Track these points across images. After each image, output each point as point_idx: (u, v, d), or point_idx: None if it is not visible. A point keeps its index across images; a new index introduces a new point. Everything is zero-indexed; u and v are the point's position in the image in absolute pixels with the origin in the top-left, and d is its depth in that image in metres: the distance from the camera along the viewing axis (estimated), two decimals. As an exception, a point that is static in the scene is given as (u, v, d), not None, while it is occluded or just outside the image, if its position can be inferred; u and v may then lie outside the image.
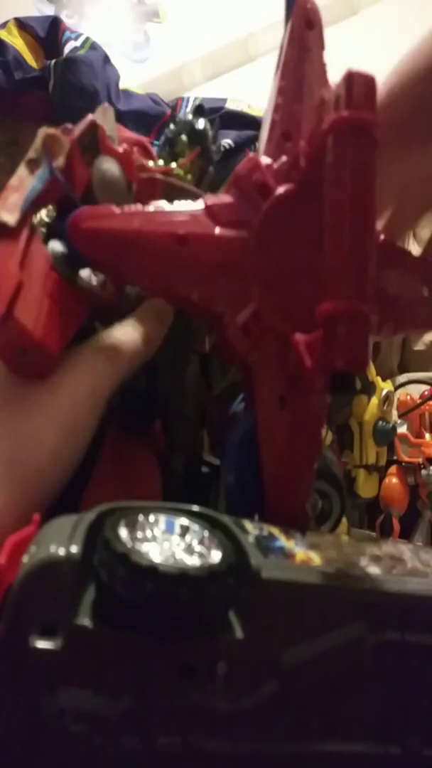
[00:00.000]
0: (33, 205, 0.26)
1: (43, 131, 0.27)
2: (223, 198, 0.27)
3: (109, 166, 0.30)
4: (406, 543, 0.29)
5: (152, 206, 0.27)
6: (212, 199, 0.27)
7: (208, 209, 0.27)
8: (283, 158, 0.27)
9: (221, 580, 0.17)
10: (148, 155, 0.35)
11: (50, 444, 0.26)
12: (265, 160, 0.27)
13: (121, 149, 0.31)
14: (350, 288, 0.22)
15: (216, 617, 0.18)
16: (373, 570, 0.21)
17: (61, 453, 0.26)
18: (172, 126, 0.35)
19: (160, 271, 0.27)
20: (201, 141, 0.34)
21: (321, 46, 0.29)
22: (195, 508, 0.22)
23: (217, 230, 0.27)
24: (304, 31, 0.29)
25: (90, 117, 0.30)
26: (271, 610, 0.18)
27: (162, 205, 0.27)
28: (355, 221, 0.22)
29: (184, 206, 0.27)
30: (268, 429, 0.28)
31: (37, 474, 0.25)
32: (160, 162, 0.34)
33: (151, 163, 0.33)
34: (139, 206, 0.27)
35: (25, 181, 0.27)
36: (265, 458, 0.28)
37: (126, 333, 0.29)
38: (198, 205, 0.27)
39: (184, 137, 0.34)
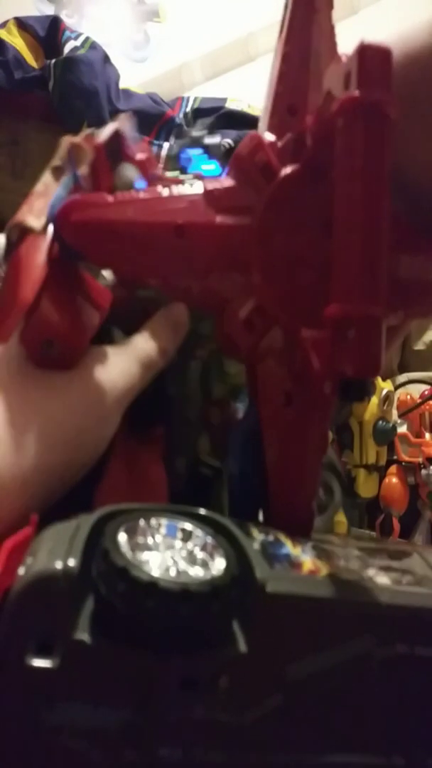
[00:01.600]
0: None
1: (68, 140, 0.27)
2: (224, 181, 0.25)
3: (130, 172, 0.30)
4: (415, 546, 0.28)
5: (148, 192, 0.26)
6: (212, 183, 0.25)
7: (208, 194, 0.25)
8: (288, 135, 0.25)
9: (224, 595, 0.17)
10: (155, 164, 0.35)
11: (74, 432, 0.25)
12: (268, 137, 0.25)
13: (140, 157, 0.31)
14: (362, 290, 0.20)
15: (218, 631, 0.17)
16: (382, 580, 0.20)
17: (83, 444, 0.26)
18: (187, 139, 0.36)
19: (157, 263, 0.26)
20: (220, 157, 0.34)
21: (329, 5, 0.26)
22: (198, 511, 0.21)
23: (218, 218, 0.25)
24: None
25: (114, 125, 0.30)
26: (275, 623, 0.18)
27: (158, 191, 0.25)
28: (368, 216, 0.20)
29: (182, 191, 0.25)
30: (273, 426, 0.26)
31: (62, 455, 0.25)
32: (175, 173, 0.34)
33: (169, 174, 0.33)
34: (133, 193, 0.26)
35: (50, 188, 0.27)
36: (269, 456, 0.27)
37: (145, 343, 0.29)
38: (197, 189, 0.25)
39: (200, 150, 0.34)
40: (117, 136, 0.30)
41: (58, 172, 0.27)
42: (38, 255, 0.25)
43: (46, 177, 0.27)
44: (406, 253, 0.26)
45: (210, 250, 0.25)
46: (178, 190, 0.25)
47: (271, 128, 0.26)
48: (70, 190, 0.27)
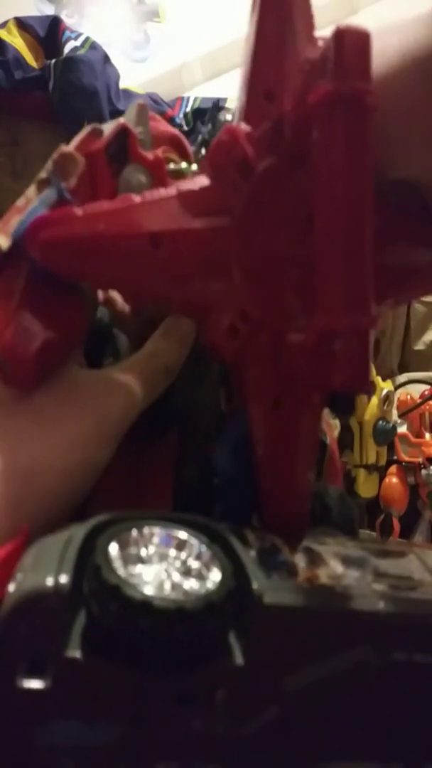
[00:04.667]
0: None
1: (60, 149, 0.26)
2: (198, 181, 0.24)
3: (138, 177, 0.28)
4: (413, 547, 0.28)
5: (119, 201, 0.24)
6: (186, 183, 0.24)
7: (182, 197, 0.23)
8: (266, 123, 0.23)
9: (219, 611, 0.17)
10: (184, 152, 0.32)
11: (60, 468, 0.25)
12: (243, 127, 0.23)
13: (152, 156, 0.28)
14: (346, 300, 0.19)
15: (215, 645, 0.17)
16: (379, 587, 0.20)
17: (71, 480, 0.25)
18: (210, 126, 0.33)
19: (133, 276, 0.24)
20: None
21: None
22: (192, 518, 0.21)
23: (194, 222, 0.23)
24: None
25: (121, 121, 0.27)
26: (273, 634, 0.18)
27: (131, 197, 0.24)
28: (350, 219, 0.19)
29: (155, 196, 0.24)
30: (263, 430, 0.26)
31: (46, 493, 0.25)
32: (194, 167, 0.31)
33: (184, 166, 0.31)
34: (103, 203, 0.24)
35: (30, 203, 0.25)
36: (260, 460, 0.26)
37: (149, 362, 0.29)
38: (170, 192, 0.24)
39: None
40: (123, 135, 0.27)
41: (42, 185, 0.26)
42: None
43: (30, 190, 0.26)
44: (394, 240, 0.24)
45: (188, 258, 0.24)
46: (150, 195, 0.24)
47: (247, 116, 0.24)
48: (52, 204, 0.25)
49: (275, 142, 0.22)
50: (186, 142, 0.33)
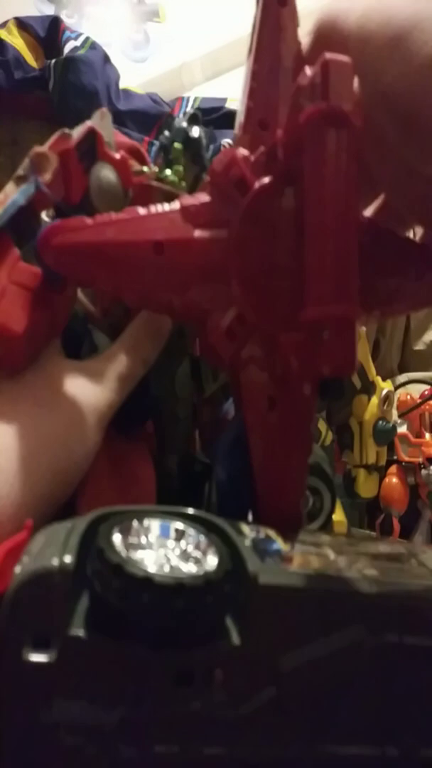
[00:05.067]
0: (15, 218, 0.26)
1: (33, 150, 0.27)
2: (200, 197, 0.26)
3: (106, 173, 0.30)
4: (405, 542, 0.29)
5: (126, 212, 0.26)
6: (188, 199, 0.26)
7: (184, 210, 0.26)
8: (261, 149, 0.25)
9: (218, 588, 0.17)
10: (142, 161, 0.35)
11: (47, 456, 0.26)
12: (241, 152, 0.26)
13: (118, 156, 0.31)
14: (334, 292, 0.21)
15: (212, 624, 0.18)
16: (371, 572, 0.21)
17: (57, 469, 0.26)
18: (166, 132, 0.35)
19: (138, 281, 0.26)
20: (195, 148, 0.34)
21: (295, 24, 0.27)
22: (190, 511, 0.21)
23: (195, 233, 0.26)
24: (277, 9, 0.27)
25: (88, 123, 0.29)
26: (268, 615, 0.18)
27: (135, 211, 0.26)
28: (337, 220, 0.21)
29: (159, 209, 0.26)
30: (258, 430, 0.27)
31: (34, 481, 0.25)
32: (155, 168, 0.33)
33: (145, 169, 0.33)
34: (112, 215, 0.26)
35: (9, 197, 0.27)
36: (256, 459, 0.27)
37: (125, 355, 0.30)
38: (174, 206, 0.26)
39: (178, 145, 0.34)
40: (91, 136, 0.29)
41: (20, 181, 0.27)
42: None
43: (9, 187, 0.27)
44: (380, 254, 0.27)
45: (189, 265, 0.26)
46: (155, 208, 0.26)
47: (244, 143, 0.27)
48: (30, 197, 0.27)
49: (269, 165, 0.25)
50: (144, 151, 0.36)
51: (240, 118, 0.28)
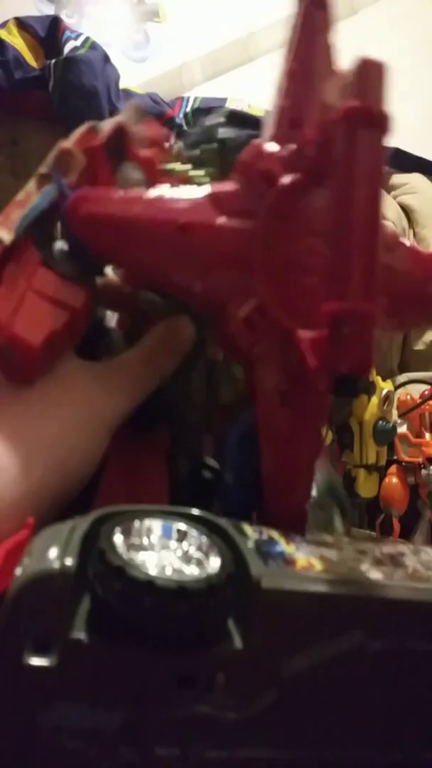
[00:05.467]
0: (37, 221, 0.26)
1: (59, 146, 0.27)
2: (228, 185, 0.26)
3: (133, 174, 0.29)
4: (408, 544, 0.28)
5: (154, 192, 0.26)
6: (216, 186, 0.26)
7: (212, 197, 0.26)
8: (290, 146, 0.26)
9: (220, 592, 0.17)
10: (165, 156, 0.34)
11: (66, 452, 0.25)
12: (271, 147, 0.26)
13: (146, 154, 0.30)
14: (356, 288, 0.21)
15: (215, 628, 0.18)
16: (374, 575, 0.21)
17: (64, 470, 0.26)
18: (198, 129, 0.34)
19: (159, 260, 0.26)
20: (231, 153, 0.33)
21: (329, 27, 0.27)
22: (193, 511, 0.21)
23: (221, 219, 0.25)
24: (313, 12, 0.27)
25: (118, 120, 0.29)
26: (270, 619, 0.18)
27: (164, 191, 0.26)
28: (363, 218, 0.22)
29: (187, 193, 0.26)
30: (269, 426, 0.27)
31: (41, 480, 0.25)
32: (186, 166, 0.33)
33: (177, 168, 0.32)
34: (140, 191, 0.26)
35: (31, 197, 0.26)
36: (264, 455, 0.27)
37: (142, 363, 0.29)
38: (201, 192, 0.26)
39: (210, 146, 0.33)
40: (120, 133, 0.28)
41: (43, 180, 0.26)
42: None
43: (30, 185, 0.27)
44: (401, 264, 0.27)
45: (212, 250, 0.26)
46: (184, 191, 0.26)
47: (274, 139, 0.27)
48: (53, 199, 0.26)
49: (298, 162, 0.25)
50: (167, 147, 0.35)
51: (271, 117, 0.28)
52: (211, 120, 0.34)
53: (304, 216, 0.25)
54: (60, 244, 0.27)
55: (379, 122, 0.22)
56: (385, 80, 0.22)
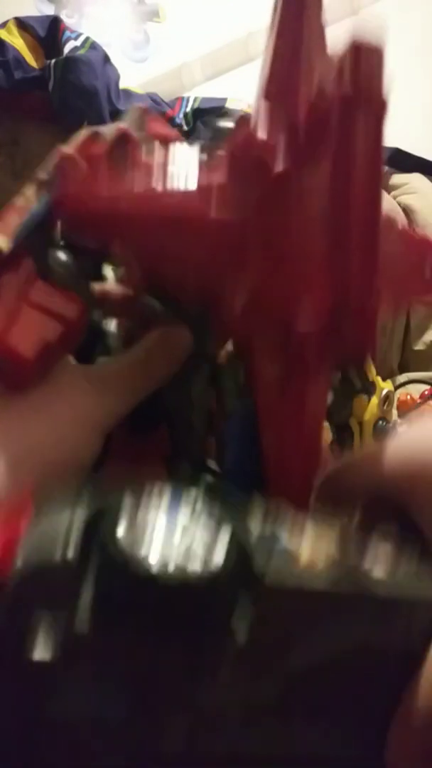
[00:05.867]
0: (35, 228, 0.26)
1: (59, 151, 0.26)
2: (217, 177, 0.25)
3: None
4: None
5: (143, 186, 0.26)
6: (205, 178, 0.25)
7: (202, 190, 0.25)
8: (281, 132, 0.25)
9: (223, 588, 0.17)
10: None
11: (46, 460, 0.25)
12: (261, 133, 0.25)
13: (150, 161, 0.29)
14: (357, 280, 0.21)
15: (218, 624, 0.18)
16: (378, 572, 0.20)
17: (56, 472, 0.25)
18: (210, 131, 0.34)
19: (150, 254, 0.26)
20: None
21: (319, 4, 0.26)
22: (197, 506, 0.21)
23: (212, 212, 0.25)
24: None
25: (121, 127, 0.28)
26: (274, 615, 0.18)
27: (154, 185, 0.25)
28: (364, 203, 0.21)
29: (176, 188, 0.25)
30: (269, 415, 0.27)
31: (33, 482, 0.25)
32: None
33: None
34: (129, 187, 0.26)
35: (29, 204, 0.26)
36: (265, 445, 0.27)
37: (137, 369, 0.29)
38: (190, 184, 0.25)
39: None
40: (123, 139, 0.28)
41: (42, 187, 0.26)
42: None
43: (29, 191, 0.26)
44: (393, 240, 0.26)
45: (204, 244, 0.25)
46: (172, 186, 0.25)
47: (263, 125, 0.26)
48: (51, 207, 0.26)
49: (289, 149, 0.24)
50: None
51: (258, 101, 0.26)
52: (223, 122, 0.34)
53: (298, 205, 0.25)
54: (56, 253, 0.27)
55: (377, 106, 0.21)
56: (381, 64, 0.21)
